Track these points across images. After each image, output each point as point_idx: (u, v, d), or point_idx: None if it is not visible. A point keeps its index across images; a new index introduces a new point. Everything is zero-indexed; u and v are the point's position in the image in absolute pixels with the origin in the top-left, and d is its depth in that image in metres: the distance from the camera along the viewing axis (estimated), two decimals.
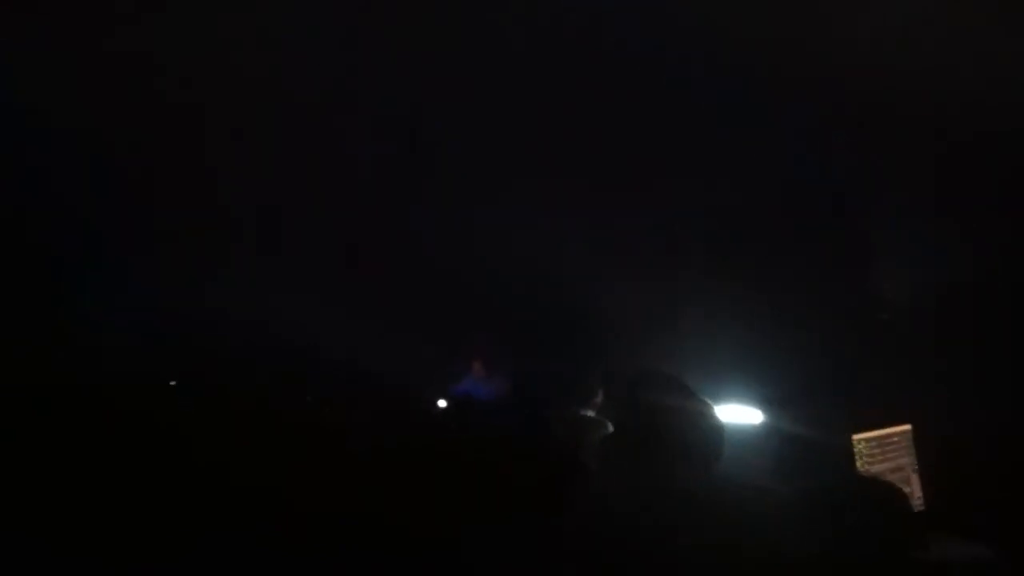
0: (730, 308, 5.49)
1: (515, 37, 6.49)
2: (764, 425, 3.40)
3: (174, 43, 6.77)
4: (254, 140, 7.59)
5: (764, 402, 3.48)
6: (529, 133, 6.61)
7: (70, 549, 2.19)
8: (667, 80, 6.25)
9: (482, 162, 7.14)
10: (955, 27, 5.02)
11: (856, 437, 3.08)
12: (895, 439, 3.34)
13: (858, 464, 3.03)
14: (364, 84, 7.22)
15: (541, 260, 6.80)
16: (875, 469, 3.12)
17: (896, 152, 5.50)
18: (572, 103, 6.36)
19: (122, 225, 7.80)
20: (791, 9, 5.38)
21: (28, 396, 2.85)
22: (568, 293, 6.77)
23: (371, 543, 2.22)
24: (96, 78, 7.17)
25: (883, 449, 3.22)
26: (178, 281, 7.42)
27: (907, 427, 3.44)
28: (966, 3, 5.05)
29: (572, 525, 2.23)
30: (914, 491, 3.34)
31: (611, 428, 2.85)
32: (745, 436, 3.27)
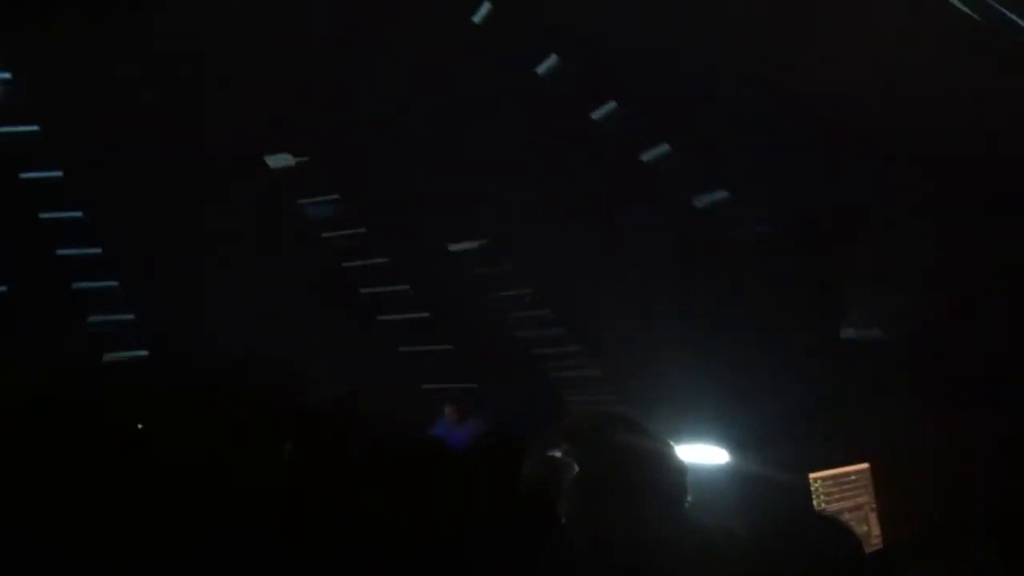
0: (693, 350, 5.58)
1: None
2: (725, 465, 3.47)
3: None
4: (255, 150, 7.65)
5: (725, 442, 3.55)
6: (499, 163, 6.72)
7: (70, 549, 2.21)
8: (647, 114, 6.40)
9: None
10: (948, 55, 5.18)
11: (813, 476, 3.15)
12: (853, 478, 3.41)
13: (815, 503, 3.10)
14: (362, 93, 7.31)
15: (509, 298, 6.89)
16: (832, 508, 3.19)
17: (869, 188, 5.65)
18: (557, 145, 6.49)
19: (124, 231, 7.79)
20: (786, 31, 5.52)
21: (29, 398, 2.88)
22: (535, 335, 6.83)
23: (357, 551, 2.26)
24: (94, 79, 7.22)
25: (840, 488, 3.29)
26: (182, 293, 7.39)
27: (865, 466, 3.51)
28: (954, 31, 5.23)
29: (540, 564, 2.28)
30: (872, 529, 3.41)
31: (578, 470, 2.91)
32: (707, 476, 3.34)
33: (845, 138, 5.51)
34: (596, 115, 6.83)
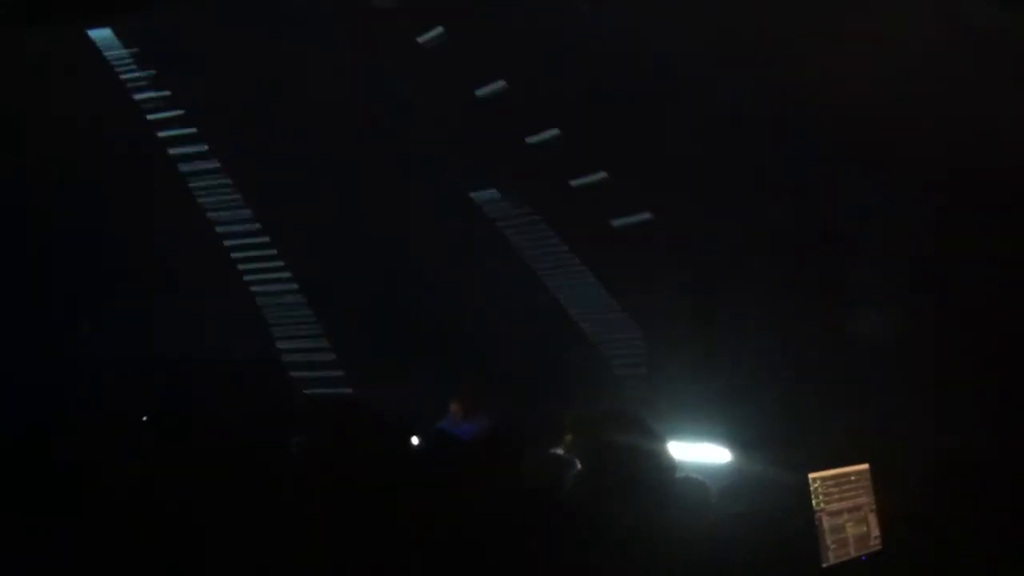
0: (696, 350, 5.62)
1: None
2: (725, 463, 3.49)
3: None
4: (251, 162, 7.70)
5: (726, 441, 3.57)
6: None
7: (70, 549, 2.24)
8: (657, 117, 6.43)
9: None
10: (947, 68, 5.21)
11: (813, 476, 3.16)
12: (853, 478, 3.41)
13: (815, 503, 3.11)
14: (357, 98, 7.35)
15: (516, 305, 6.91)
16: (832, 508, 3.21)
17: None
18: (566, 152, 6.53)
19: (110, 254, 7.85)
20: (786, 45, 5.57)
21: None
22: (542, 337, 6.86)
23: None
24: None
25: (840, 488, 3.30)
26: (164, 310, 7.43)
27: (865, 467, 3.51)
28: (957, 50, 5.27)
29: (542, 556, 2.32)
30: (871, 531, 3.42)
31: (580, 466, 2.95)
32: (708, 474, 3.37)
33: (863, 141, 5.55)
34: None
